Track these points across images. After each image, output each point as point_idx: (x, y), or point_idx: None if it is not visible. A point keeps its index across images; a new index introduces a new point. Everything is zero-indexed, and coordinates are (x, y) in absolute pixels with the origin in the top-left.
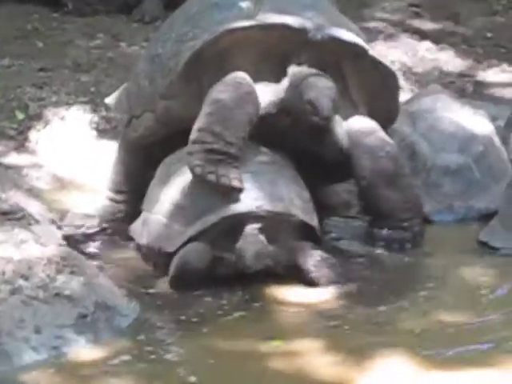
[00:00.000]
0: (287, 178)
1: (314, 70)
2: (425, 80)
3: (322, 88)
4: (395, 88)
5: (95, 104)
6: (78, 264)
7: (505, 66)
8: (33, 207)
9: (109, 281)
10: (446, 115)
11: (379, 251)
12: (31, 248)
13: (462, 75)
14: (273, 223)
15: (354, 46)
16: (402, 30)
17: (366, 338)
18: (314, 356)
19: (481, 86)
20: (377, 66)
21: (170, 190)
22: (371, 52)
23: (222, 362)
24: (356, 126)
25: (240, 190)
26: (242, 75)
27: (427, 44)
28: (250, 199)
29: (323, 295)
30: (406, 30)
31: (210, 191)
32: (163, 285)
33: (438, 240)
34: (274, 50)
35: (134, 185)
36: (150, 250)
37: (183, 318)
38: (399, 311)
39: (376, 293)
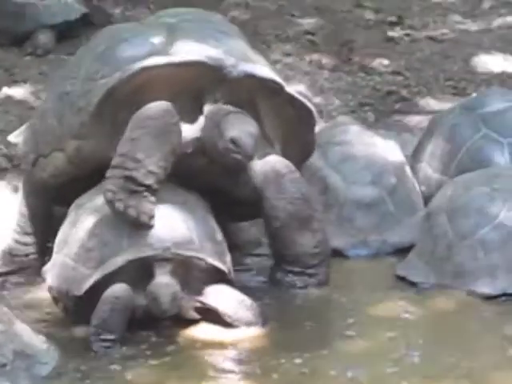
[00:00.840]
0: (199, 220)
1: (232, 108)
2: (325, 110)
3: (244, 125)
4: (312, 124)
5: None
6: None
7: (404, 93)
8: None
9: (26, 327)
10: (358, 147)
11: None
12: None
13: (362, 104)
14: (182, 266)
15: (271, 82)
16: (299, 59)
17: (291, 381)
18: None
19: (382, 114)
20: (293, 102)
21: (78, 231)
22: (287, 88)
23: None
24: (272, 166)
25: (148, 226)
26: (167, 104)
27: (325, 73)
28: (159, 241)
29: (239, 335)
30: (302, 59)
31: (117, 233)
32: (80, 329)
33: (354, 276)
34: (189, 87)
35: (41, 226)
36: (59, 292)
37: (103, 365)
38: (319, 354)
39: (295, 331)
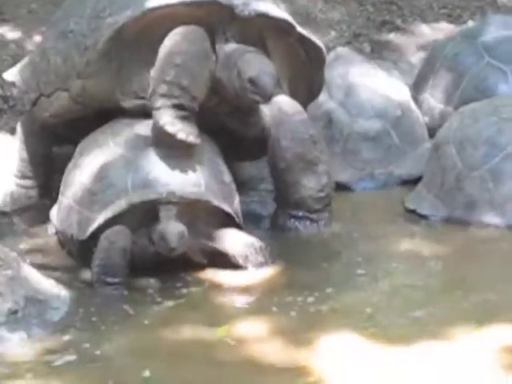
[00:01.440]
0: (206, 162)
1: (247, 47)
2: (322, 41)
3: (262, 65)
4: (321, 64)
5: None
6: (2, 257)
7: (398, 22)
8: None
9: (36, 272)
10: (361, 80)
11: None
12: None
13: (356, 35)
14: (188, 209)
15: (282, 22)
16: None
17: (310, 318)
18: (261, 341)
19: (378, 45)
20: (303, 41)
21: (83, 174)
22: (299, 28)
23: (171, 355)
24: (280, 107)
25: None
26: (199, 28)
27: (319, 4)
28: (163, 184)
29: (250, 276)
30: None
31: (121, 176)
32: (87, 273)
33: (363, 210)
34: (198, 26)
35: (41, 167)
36: (64, 236)
37: (116, 308)
38: (332, 292)
39: (308, 271)
